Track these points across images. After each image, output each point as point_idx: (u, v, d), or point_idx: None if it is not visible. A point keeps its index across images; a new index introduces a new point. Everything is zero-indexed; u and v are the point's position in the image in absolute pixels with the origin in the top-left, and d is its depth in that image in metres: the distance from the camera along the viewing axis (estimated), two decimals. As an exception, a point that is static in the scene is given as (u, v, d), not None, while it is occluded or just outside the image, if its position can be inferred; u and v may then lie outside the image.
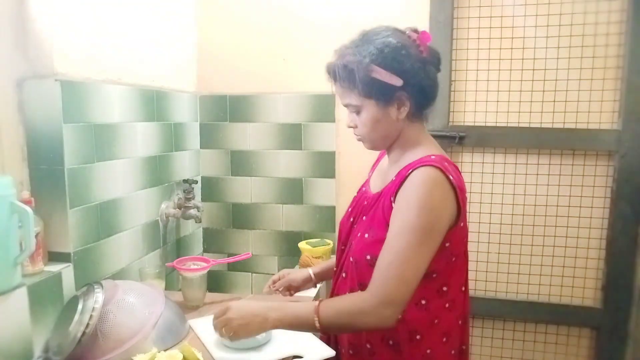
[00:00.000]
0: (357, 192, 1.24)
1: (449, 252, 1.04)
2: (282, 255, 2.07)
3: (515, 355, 1.97)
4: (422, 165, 0.99)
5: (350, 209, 1.21)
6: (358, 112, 1.07)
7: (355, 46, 1.04)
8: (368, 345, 1.09)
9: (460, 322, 1.12)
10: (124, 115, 1.52)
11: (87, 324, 1.08)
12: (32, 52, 1.23)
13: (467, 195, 1.13)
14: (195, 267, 1.49)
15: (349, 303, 1.01)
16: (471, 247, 1.94)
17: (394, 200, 1.01)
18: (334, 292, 1.19)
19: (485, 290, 1.96)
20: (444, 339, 1.08)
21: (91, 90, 1.36)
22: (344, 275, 1.14)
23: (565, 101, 1.79)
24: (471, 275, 1.94)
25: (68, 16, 1.28)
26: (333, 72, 1.06)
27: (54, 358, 1.11)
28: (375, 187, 1.16)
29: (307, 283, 1.37)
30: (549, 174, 1.85)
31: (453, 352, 1.11)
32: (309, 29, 1.94)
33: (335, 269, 1.22)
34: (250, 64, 2.00)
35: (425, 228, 0.96)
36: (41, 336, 1.18)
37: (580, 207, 1.84)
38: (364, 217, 1.12)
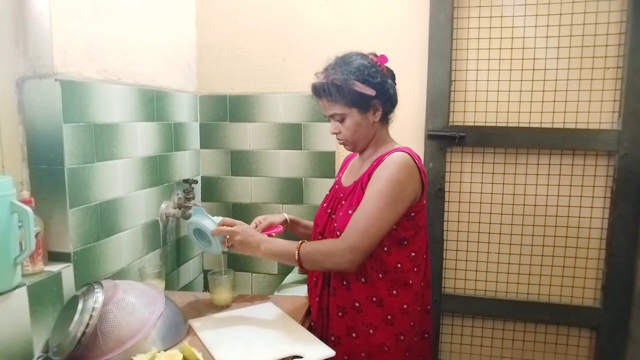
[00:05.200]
0: (330, 191, 1.50)
1: (415, 223, 1.31)
2: (282, 255, 2.07)
3: (515, 355, 1.97)
4: (395, 152, 1.29)
5: (325, 204, 1.46)
6: (342, 120, 1.32)
7: (337, 68, 1.30)
8: (356, 304, 1.32)
9: (423, 284, 1.38)
10: (124, 115, 1.52)
11: (87, 324, 1.08)
12: (32, 52, 1.23)
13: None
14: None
15: (323, 245, 1.30)
16: (471, 247, 1.95)
17: (371, 178, 1.28)
18: None
19: (485, 290, 1.96)
20: (415, 297, 1.34)
21: (91, 90, 1.36)
22: None
23: (565, 101, 1.79)
24: (471, 275, 1.96)
25: (68, 16, 1.28)
26: (321, 90, 1.31)
27: (54, 358, 1.11)
28: (347, 182, 1.42)
29: (284, 224, 1.56)
30: (549, 174, 1.85)
31: (419, 309, 1.38)
32: (308, 29, 1.94)
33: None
34: (250, 64, 2.01)
35: (390, 196, 1.23)
36: (41, 336, 1.18)
37: (580, 207, 1.84)
38: (343, 202, 1.37)
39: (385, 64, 1.35)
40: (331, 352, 1.17)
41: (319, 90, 1.32)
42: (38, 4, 1.21)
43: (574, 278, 1.88)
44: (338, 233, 1.32)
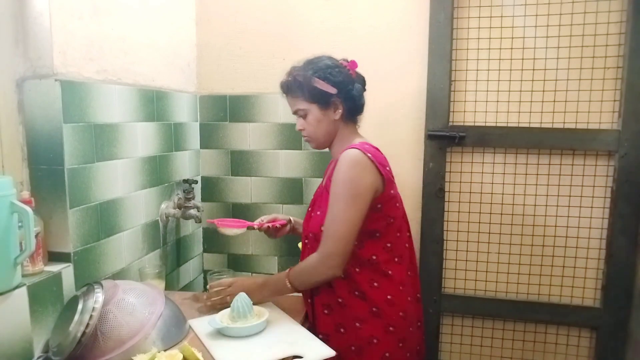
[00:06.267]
0: (314, 195, 1.54)
1: (384, 214, 1.34)
2: (281, 255, 2.07)
3: (515, 355, 1.97)
4: (346, 149, 1.33)
5: (310, 208, 1.51)
6: (305, 116, 1.39)
7: (302, 66, 1.39)
8: (340, 300, 1.36)
9: (409, 273, 1.42)
10: (124, 115, 1.52)
11: (87, 324, 1.09)
12: (32, 52, 1.23)
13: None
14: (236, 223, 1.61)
15: (305, 264, 1.36)
16: (471, 247, 1.95)
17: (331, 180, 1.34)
18: None
19: (485, 290, 1.96)
20: (400, 288, 1.37)
21: (91, 90, 1.36)
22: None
23: (565, 101, 1.79)
24: (471, 275, 1.96)
25: (68, 16, 1.28)
26: (285, 87, 1.41)
27: (54, 358, 1.11)
28: (323, 183, 1.48)
29: (288, 223, 1.67)
30: (549, 174, 1.85)
31: (410, 298, 1.40)
32: (309, 29, 1.94)
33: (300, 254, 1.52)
34: (250, 64, 2.00)
35: (348, 195, 1.28)
36: (41, 336, 1.18)
37: (580, 207, 1.84)
38: (315, 205, 1.44)
39: (356, 69, 1.42)
40: (331, 352, 1.17)
41: (284, 88, 1.42)
42: (38, 4, 1.21)
43: (574, 278, 1.88)
44: (310, 235, 1.41)
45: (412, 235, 1.96)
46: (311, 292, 1.42)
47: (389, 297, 1.35)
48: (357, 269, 1.34)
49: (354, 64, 1.42)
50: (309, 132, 1.41)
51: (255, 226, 1.61)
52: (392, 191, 1.37)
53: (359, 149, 1.31)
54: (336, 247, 1.29)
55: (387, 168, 1.37)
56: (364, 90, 1.44)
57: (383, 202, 1.34)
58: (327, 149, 1.47)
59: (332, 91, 1.35)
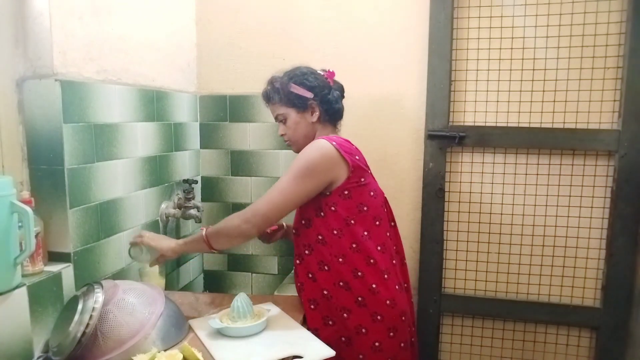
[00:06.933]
0: None
1: (355, 200, 1.36)
2: (282, 255, 2.07)
3: (515, 355, 1.97)
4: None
5: None
6: (285, 121, 1.46)
7: (280, 75, 1.47)
8: (325, 292, 1.38)
9: (394, 262, 1.44)
10: (124, 115, 1.52)
11: (87, 324, 1.08)
12: (32, 52, 1.23)
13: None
14: None
15: (225, 219, 1.37)
16: (471, 247, 1.95)
17: None
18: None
19: (485, 291, 1.96)
20: (385, 276, 1.38)
21: (91, 90, 1.36)
22: (297, 262, 1.46)
23: (565, 101, 1.79)
24: (471, 275, 1.96)
25: (68, 16, 1.28)
26: (265, 95, 1.48)
27: (54, 358, 1.11)
28: None
29: (281, 228, 1.69)
30: (549, 174, 1.85)
31: (397, 287, 1.41)
32: (309, 29, 1.94)
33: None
34: (250, 64, 2.00)
35: (298, 172, 1.33)
36: (41, 336, 1.18)
37: (580, 207, 1.84)
38: None
39: (333, 78, 1.49)
40: (331, 352, 1.17)
41: (264, 97, 1.50)
42: (38, 4, 1.21)
43: (574, 278, 1.88)
44: (294, 231, 1.46)
45: (412, 235, 1.97)
46: (298, 289, 1.44)
47: (373, 285, 1.36)
48: (341, 259, 1.36)
49: (331, 74, 1.49)
50: (289, 136, 1.47)
51: None
52: (362, 179, 1.38)
53: (324, 138, 1.36)
54: (264, 208, 1.31)
55: (356, 157, 1.39)
56: (342, 97, 1.51)
57: (350, 188, 1.36)
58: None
59: (308, 95, 1.42)
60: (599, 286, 1.86)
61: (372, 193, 1.41)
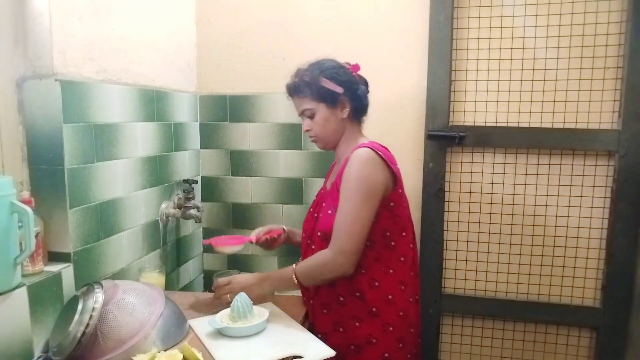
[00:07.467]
0: (316, 197, 1.55)
1: (394, 212, 1.35)
2: (282, 255, 2.07)
3: (515, 355, 1.97)
4: (357, 148, 1.33)
5: (312, 209, 1.51)
6: (312, 116, 1.39)
7: (308, 67, 1.40)
8: (341, 298, 1.37)
9: (412, 273, 1.42)
10: (124, 115, 1.52)
11: (87, 324, 1.08)
12: (32, 52, 1.23)
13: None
14: (232, 240, 1.56)
15: (315, 260, 1.34)
16: (471, 247, 1.95)
17: (342, 179, 1.34)
18: None
19: (485, 290, 1.96)
20: (402, 287, 1.37)
21: (91, 90, 1.36)
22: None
23: (565, 101, 1.79)
24: (471, 275, 1.96)
25: (68, 16, 1.28)
26: (293, 88, 1.41)
27: (54, 358, 1.11)
28: (329, 184, 1.47)
29: (282, 233, 1.65)
30: (549, 174, 1.85)
31: (411, 299, 1.40)
32: (309, 29, 1.94)
33: (301, 257, 1.51)
34: (250, 64, 2.00)
35: (362, 192, 1.28)
36: (41, 336, 1.18)
37: (580, 207, 1.84)
38: (324, 204, 1.41)
39: (358, 72, 1.43)
40: (331, 352, 1.17)
41: (290, 89, 1.42)
42: (38, 4, 1.21)
43: (574, 278, 1.88)
44: (319, 234, 1.38)
45: (412, 235, 1.96)
46: (314, 291, 1.41)
47: (389, 296, 1.35)
48: (363, 271, 1.34)
49: (356, 67, 1.43)
50: (317, 132, 1.41)
51: (253, 241, 1.58)
52: (400, 190, 1.38)
53: (369, 147, 1.31)
54: (349, 245, 1.28)
55: (397, 166, 1.37)
56: (368, 92, 1.45)
57: (394, 200, 1.34)
58: (327, 150, 1.47)
59: (339, 90, 1.36)
60: (599, 286, 1.86)
61: (404, 204, 1.40)
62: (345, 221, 1.28)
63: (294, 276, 1.34)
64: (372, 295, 1.34)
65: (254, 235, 1.60)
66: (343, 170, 1.34)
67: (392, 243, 1.35)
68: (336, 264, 1.29)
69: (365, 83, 1.45)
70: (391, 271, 1.35)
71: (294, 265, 1.36)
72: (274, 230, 1.62)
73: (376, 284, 1.34)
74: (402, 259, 1.37)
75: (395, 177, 1.34)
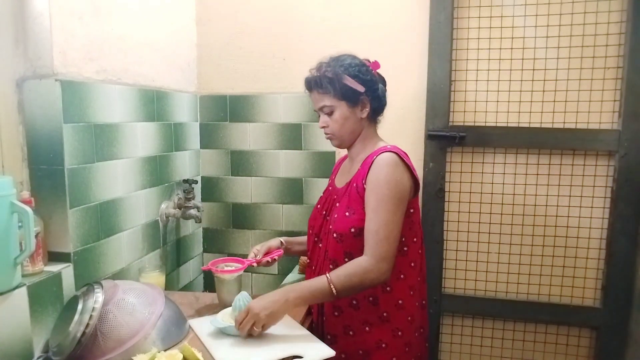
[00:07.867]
0: (324, 193, 1.53)
1: (411, 218, 1.35)
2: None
3: (515, 355, 1.97)
4: (382, 152, 1.31)
5: (319, 206, 1.49)
6: (331, 113, 1.35)
7: (330, 63, 1.35)
8: (354, 302, 1.35)
9: (419, 279, 1.41)
10: (124, 115, 1.52)
11: (87, 324, 1.08)
12: (32, 52, 1.23)
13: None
14: (230, 269, 1.45)
15: (354, 267, 1.25)
16: (471, 247, 1.95)
17: (366, 182, 1.30)
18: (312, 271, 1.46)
19: (485, 290, 1.96)
20: (411, 292, 1.37)
21: (91, 90, 1.36)
22: (331, 267, 1.35)
23: (565, 101, 1.79)
24: (471, 275, 1.96)
25: (68, 16, 1.28)
26: (313, 82, 1.36)
27: (54, 358, 1.11)
28: (340, 183, 1.45)
29: (282, 254, 1.56)
30: (549, 174, 1.85)
31: (417, 304, 1.40)
32: (309, 29, 1.94)
33: (309, 261, 1.50)
34: (250, 64, 2.00)
35: (395, 197, 1.27)
36: (41, 336, 1.18)
37: (580, 207, 1.84)
38: (337, 204, 1.39)
39: (377, 70, 1.40)
40: (331, 352, 1.17)
41: (311, 83, 1.37)
42: (38, 4, 1.21)
43: (574, 278, 1.88)
44: (334, 235, 1.35)
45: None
46: None
47: (400, 301, 1.35)
48: (391, 268, 1.30)
49: (376, 64, 1.40)
50: (334, 130, 1.37)
51: (254, 264, 1.48)
52: (417, 196, 1.39)
53: (395, 152, 1.30)
54: (389, 251, 1.25)
55: (416, 172, 1.36)
56: (386, 91, 1.42)
57: (414, 207, 1.36)
58: (341, 148, 1.45)
59: (361, 89, 1.33)
60: (599, 286, 1.86)
61: (418, 210, 1.40)
62: (382, 227, 1.25)
63: (331, 286, 1.22)
64: (385, 299, 1.34)
65: (252, 257, 1.50)
66: (366, 173, 1.31)
67: (405, 248, 1.35)
68: (380, 271, 1.24)
69: (384, 82, 1.42)
70: (402, 276, 1.35)
71: (327, 275, 1.25)
72: (272, 249, 1.53)
73: (388, 288, 1.34)
74: (412, 264, 1.37)
75: (416, 184, 1.34)
